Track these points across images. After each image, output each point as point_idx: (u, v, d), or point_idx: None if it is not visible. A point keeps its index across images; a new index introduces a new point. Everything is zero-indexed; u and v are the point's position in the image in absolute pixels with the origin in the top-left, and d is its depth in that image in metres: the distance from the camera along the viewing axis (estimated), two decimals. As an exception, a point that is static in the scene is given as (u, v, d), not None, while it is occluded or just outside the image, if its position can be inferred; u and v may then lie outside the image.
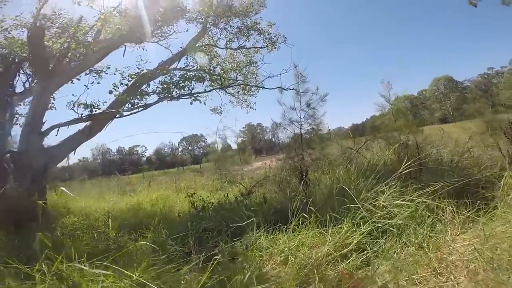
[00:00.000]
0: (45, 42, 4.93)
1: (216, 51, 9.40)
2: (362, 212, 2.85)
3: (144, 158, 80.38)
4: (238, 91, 11.61)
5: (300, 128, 8.79)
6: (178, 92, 5.55)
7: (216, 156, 10.28)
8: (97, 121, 5.32)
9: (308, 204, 3.22)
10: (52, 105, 6.11)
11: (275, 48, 9.83)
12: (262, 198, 4.92)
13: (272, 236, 2.76)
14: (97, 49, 5.31)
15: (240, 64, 10.46)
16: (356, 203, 2.91)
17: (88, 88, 5.03)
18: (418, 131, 8.98)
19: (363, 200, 3.04)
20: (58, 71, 4.84)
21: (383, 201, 2.98)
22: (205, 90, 6.00)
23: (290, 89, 7.96)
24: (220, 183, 8.65)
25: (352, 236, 2.66)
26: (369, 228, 2.73)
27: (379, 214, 2.83)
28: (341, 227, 2.76)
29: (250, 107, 12.30)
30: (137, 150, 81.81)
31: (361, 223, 2.80)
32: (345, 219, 2.83)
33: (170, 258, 2.67)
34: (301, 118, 8.93)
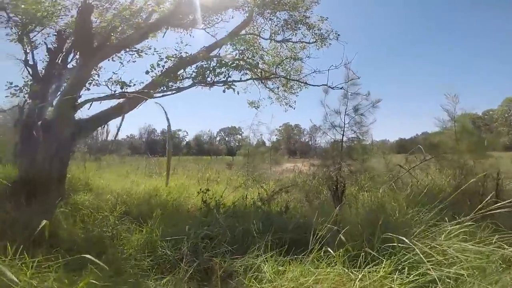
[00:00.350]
0: (93, 19, 4.98)
1: (259, 43, 8.88)
2: (411, 253, 2.08)
3: (184, 143, 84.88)
4: (279, 87, 11.03)
5: (342, 135, 7.88)
6: (213, 78, 5.18)
7: (246, 150, 9.85)
8: (129, 100, 5.25)
9: (338, 228, 2.56)
10: (96, 81, 6.30)
11: (324, 44, 8.94)
12: (284, 207, 4.32)
13: (281, 263, 2.17)
14: (141, 30, 5.23)
15: (284, 59, 9.86)
16: (405, 240, 2.15)
17: (123, 65, 4.93)
18: (486, 157, 7.41)
19: (415, 236, 2.26)
20: (99, 48, 4.82)
21: (444, 242, 2.15)
22: (240, 78, 5.54)
23: (338, 88, 7.06)
24: (245, 180, 8.23)
25: (390, 285, 1.94)
26: (417, 278, 1.98)
27: (435, 260, 2.04)
28: (377, 270, 2.05)
29: (289, 106, 11.59)
30: (179, 134, 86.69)
31: (406, 268, 2.06)
32: (384, 260, 2.11)
33: (157, 262, 2.28)
34: (344, 124, 8.01)
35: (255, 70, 7.17)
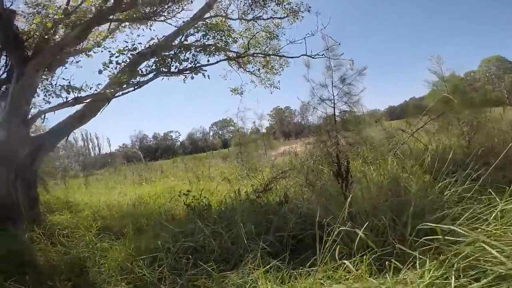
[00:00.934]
0: (18, 23, 4.23)
1: (229, 25, 8.09)
2: (462, 246, 1.38)
3: (178, 143, 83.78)
4: (259, 69, 10.39)
5: (333, 107, 7.34)
6: (178, 66, 4.52)
7: (237, 140, 9.27)
8: (89, 106, 4.58)
9: (351, 217, 2.05)
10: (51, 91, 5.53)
11: (297, 18, 8.31)
12: (283, 196, 3.82)
13: (282, 279, 1.64)
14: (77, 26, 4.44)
15: (257, 37, 9.12)
16: (454, 229, 1.44)
17: (65, 68, 4.24)
18: (484, 112, 7.00)
19: (456, 220, 1.67)
20: (34, 54, 4.09)
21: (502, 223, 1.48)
22: (208, 61, 4.87)
23: (319, 56, 6.48)
24: (240, 171, 7.72)
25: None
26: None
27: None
28: (420, 275, 1.38)
29: (274, 87, 11.06)
30: (171, 136, 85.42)
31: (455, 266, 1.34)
32: (428, 259, 1.44)
33: (135, 285, 1.79)
34: (333, 96, 7.45)
35: (227, 53, 6.47)
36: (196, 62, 4.64)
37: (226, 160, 11.14)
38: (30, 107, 4.35)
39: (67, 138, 4.58)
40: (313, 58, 6.56)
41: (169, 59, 4.45)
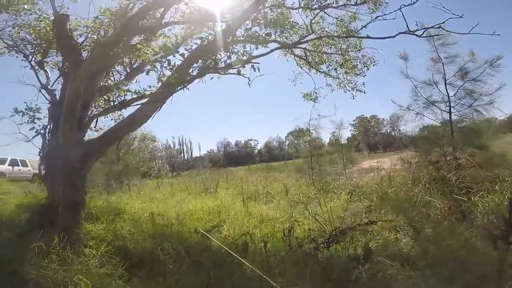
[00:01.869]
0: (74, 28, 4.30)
1: (292, 21, 6.75)
2: None
3: (256, 151, 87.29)
4: (335, 69, 8.72)
5: (450, 112, 5.01)
6: (225, 61, 3.66)
7: (307, 151, 7.84)
8: (140, 110, 4.26)
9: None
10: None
11: (379, 4, 6.27)
12: (362, 249, 2.25)
13: None
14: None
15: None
16: None
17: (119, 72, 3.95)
18: None
19: None
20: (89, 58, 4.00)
21: None
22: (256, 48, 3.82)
23: (428, 36, 4.46)
24: (308, 189, 6.28)
25: None
26: None
27: None
28: None
29: (358, 90, 9.13)
30: (251, 144, 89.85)
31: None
32: None
33: None
34: (449, 97, 5.11)
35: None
36: (246, 54, 3.67)
37: (300, 173, 9.78)
38: (89, 111, 4.31)
39: (118, 144, 4.34)
40: (419, 36, 4.57)
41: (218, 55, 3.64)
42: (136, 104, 4.12)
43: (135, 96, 4.04)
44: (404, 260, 2.18)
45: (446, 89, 5.29)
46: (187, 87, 3.97)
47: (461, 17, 4.24)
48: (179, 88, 3.91)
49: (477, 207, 3.00)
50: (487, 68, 4.86)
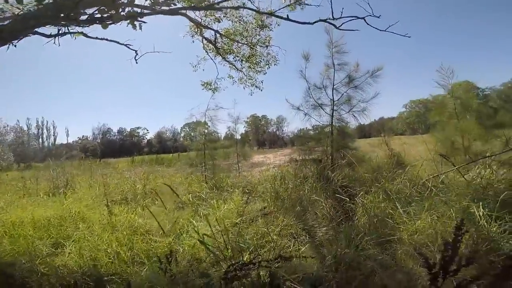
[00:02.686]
0: None
1: None
2: None
3: (145, 141, 78.14)
4: (241, 60, 8.50)
5: (332, 115, 5.55)
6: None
7: (201, 144, 7.09)
8: None
9: None
10: None
11: (299, 5, 6.49)
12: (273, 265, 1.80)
13: None
14: None
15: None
16: None
17: None
18: None
19: None
20: None
21: None
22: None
23: (327, 21, 4.57)
24: (200, 187, 5.57)
25: None
26: None
27: None
28: None
29: (256, 86, 9.25)
30: (138, 132, 79.47)
31: None
32: None
33: None
34: (333, 101, 5.68)
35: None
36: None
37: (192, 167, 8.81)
38: None
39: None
40: (338, 28, 4.62)
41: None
42: None
43: None
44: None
45: (333, 94, 5.81)
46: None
47: (378, 17, 4.49)
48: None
49: (358, 207, 3.21)
50: (368, 77, 5.65)
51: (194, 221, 3.12)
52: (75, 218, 3.25)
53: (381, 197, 3.11)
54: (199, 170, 7.11)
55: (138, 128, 78.36)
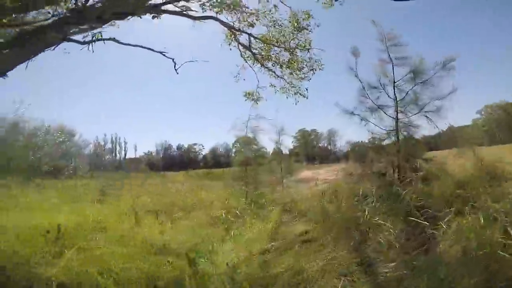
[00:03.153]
0: None
1: None
2: None
3: (201, 156, 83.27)
4: (281, 65, 8.03)
5: (396, 118, 4.48)
6: None
7: (241, 159, 6.71)
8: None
9: None
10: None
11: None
12: None
13: None
14: None
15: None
16: None
17: None
18: None
19: None
20: None
21: None
22: None
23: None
24: (238, 202, 5.05)
25: None
26: None
27: None
28: None
29: (300, 94, 8.59)
30: (195, 148, 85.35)
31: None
32: None
33: None
34: (396, 101, 4.61)
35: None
36: None
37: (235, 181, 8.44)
38: None
39: None
40: None
41: None
42: None
43: None
44: None
45: (394, 92, 4.75)
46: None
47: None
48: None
49: (445, 234, 2.21)
50: (439, 69, 4.48)
51: (216, 244, 2.57)
52: (96, 226, 3.05)
53: (482, 220, 2.07)
54: (240, 185, 6.66)
55: (194, 144, 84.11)
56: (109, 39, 3.07)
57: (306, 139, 64.12)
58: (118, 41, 3.19)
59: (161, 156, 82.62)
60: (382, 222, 2.68)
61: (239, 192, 6.14)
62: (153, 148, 77.53)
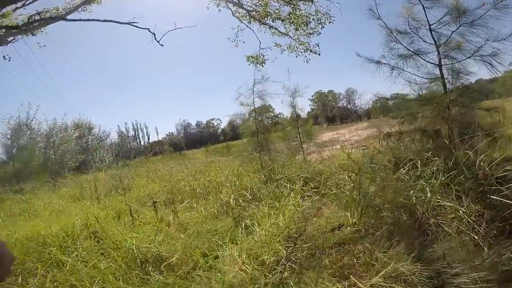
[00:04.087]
0: None
1: None
2: None
3: (220, 130, 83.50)
4: (283, 20, 6.89)
5: (440, 64, 3.36)
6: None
7: (252, 128, 5.97)
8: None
9: None
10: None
11: None
12: None
13: None
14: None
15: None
16: None
17: None
18: None
19: None
20: None
21: None
22: None
23: None
24: (252, 180, 4.42)
25: None
26: None
27: None
28: None
29: (311, 51, 7.59)
30: (213, 123, 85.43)
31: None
32: None
33: None
34: (437, 44, 3.44)
35: None
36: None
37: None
38: None
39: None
40: None
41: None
42: None
43: None
44: None
45: (432, 36, 3.64)
46: None
47: None
48: None
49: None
50: (491, 8, 3.28)
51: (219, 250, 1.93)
52: (83, 233, 2.55)
53: None
54: (253, 158, 6.00)
55: (212, 119, 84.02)
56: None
57: (323, 100, 61.21)
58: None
59: (181, 135, 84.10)
60: (446, 203, 1.88)
61: (251, 168, 5.49)
62: (174, 129, 78.76)
